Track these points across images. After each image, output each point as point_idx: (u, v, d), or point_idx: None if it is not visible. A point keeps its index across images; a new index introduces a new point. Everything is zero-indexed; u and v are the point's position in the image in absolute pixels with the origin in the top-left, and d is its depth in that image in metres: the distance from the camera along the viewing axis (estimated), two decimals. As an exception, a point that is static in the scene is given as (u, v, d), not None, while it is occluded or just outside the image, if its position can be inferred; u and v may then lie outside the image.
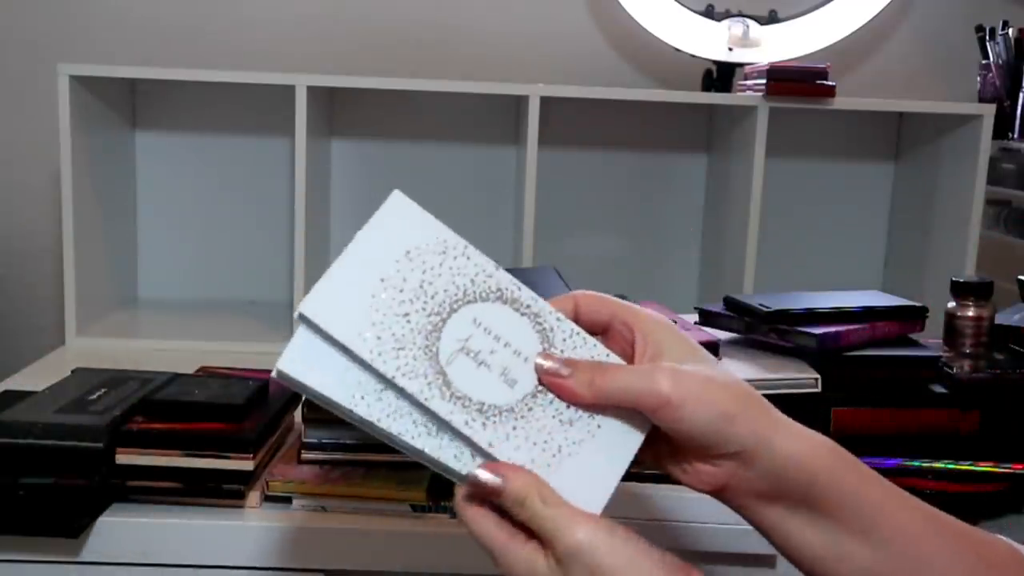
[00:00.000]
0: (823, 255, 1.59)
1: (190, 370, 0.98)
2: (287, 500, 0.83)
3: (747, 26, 1.46)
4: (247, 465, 0.81)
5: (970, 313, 0.92)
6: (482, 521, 0.52)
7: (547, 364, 0.53)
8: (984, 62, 1.51)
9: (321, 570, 0.82)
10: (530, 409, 0.52)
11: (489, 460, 0.52)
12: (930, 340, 0.94)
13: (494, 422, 0.52)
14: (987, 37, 1.50)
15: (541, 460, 0.52)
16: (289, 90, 1.27)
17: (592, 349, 0.54)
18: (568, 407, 0.53)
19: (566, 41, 1.56)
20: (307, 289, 1.32)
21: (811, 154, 1.57)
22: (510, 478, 0.51)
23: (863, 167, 1.58)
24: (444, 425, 0.51)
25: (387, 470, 0.84)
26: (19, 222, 1.56)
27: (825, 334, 0.87)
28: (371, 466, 0.85)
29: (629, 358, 0.55)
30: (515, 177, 1.51)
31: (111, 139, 1.43)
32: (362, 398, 0.51)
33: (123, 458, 0.80)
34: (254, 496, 0.83)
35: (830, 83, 1.32)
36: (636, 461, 0.54)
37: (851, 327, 0.89)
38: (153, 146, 1.51)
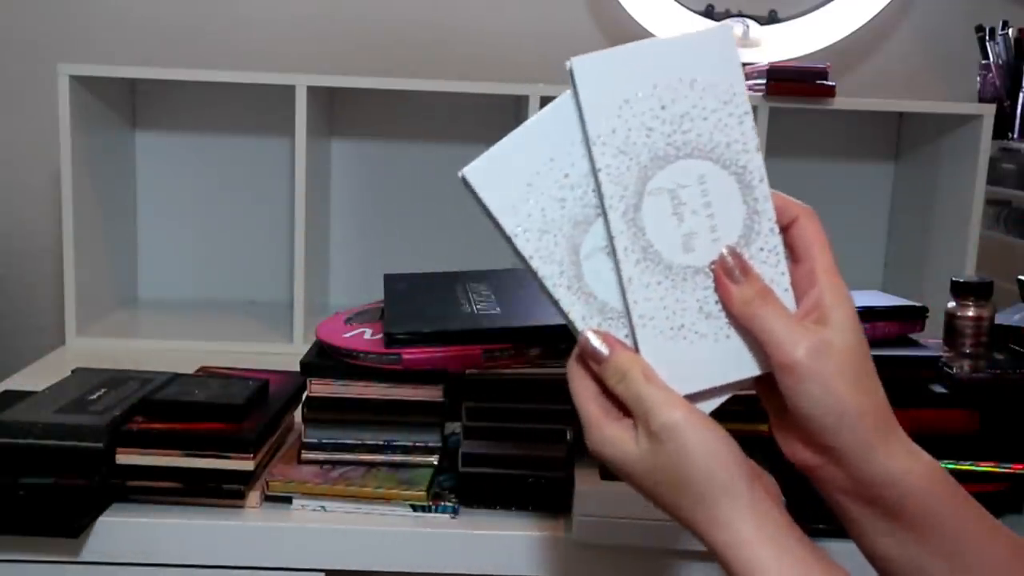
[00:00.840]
0: (823, 255, 1.58)
1: (190, 370, 0.98)
2: (287, 500, 0.83)
3: (747, 26, 1.46)
4: (247, 465, 0.81)
5: (970, 313, 0.92)
6: (583, 386, 0.54)
7: (729, 260, 0.53)
8: (984, 62, 1.51)
9: (321, 570, 0.82)
10: (684, 279, 0.53)
11: (623, 298, 0.52)
12: (930, 340, 0.94)
13: (647, 266, 0.52)
14: (987, 37, 1.50)
15: (661, 324, 0.52)
16: (289, 90, 1.27)
17: (778, 275, 0.54)
18: (716, 303, 0.53)
19: (566, 41, 1.56)
20: (307, 289, 1.33)
21: (811, 154, 1.57)
22: (616, 351, 0.52)
23: (863, 167, 1.58)
24: (597, 256, 0.52)
25: (387, 470, 0.84)
26: (19, 222, 1.56)
27: (825, 334, 0.86)
28: (371, 466, 0.85)
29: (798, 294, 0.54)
30: (515, 177, 1.50)
31: (111, 139, 1.43)
32: (525, 231, 0.52)
33: (123, 458, 0.80)
34: (254, 496, 0.83)
35: (830, 83, 1.32)
36: (750, 392, 0.56)
37: (851, 327, 0.89)
38: (153, 146, 1.51)
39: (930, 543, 0.53)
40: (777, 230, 0.54)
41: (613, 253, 0.52)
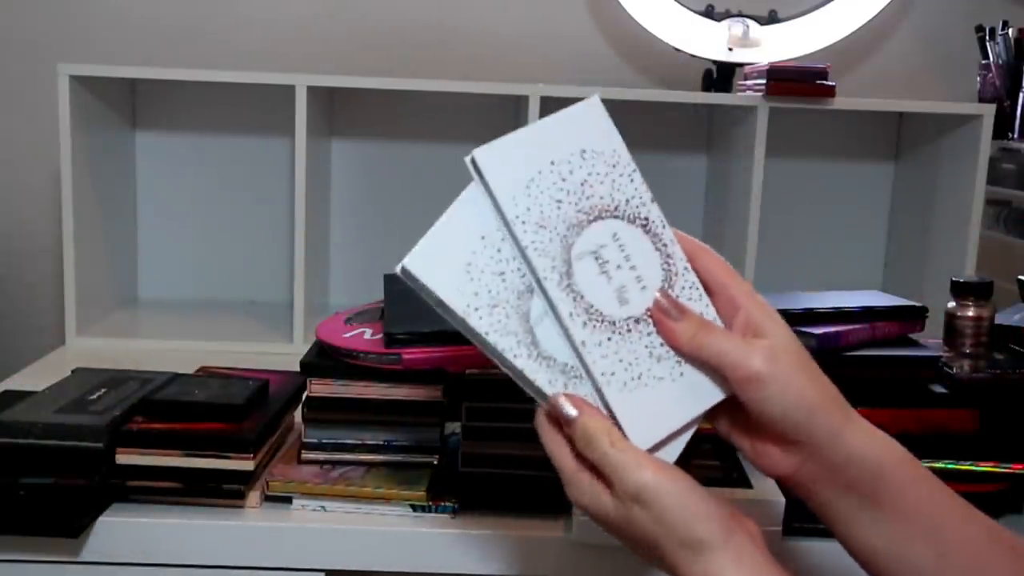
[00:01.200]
0: (823, 255, 1.59)
1: (190, 370, 0.98)
2: (287, 500, 0.83)
3: (747, 26, 1.46)
4: (247, 465, 0.81)
5: (970, 313, 0.92)
6: (556, 441, 0.55)
7: (664, 302, 0.56)
8: (984, 62, 1.51)
9: (321, 570, 0.82)
10: (628, 331, 0.55)
11: (580, 360, 0.55)
12: (930, 340, 0.94)
13: (594, 325, 0.55)
14: (987, 37, 1.50)
15: (623, 377, 0.55)
16: (289, 90, 1.27)
17: (704, 308, 0.57)
18: (662, 345, 0.56)
19: (566, 41, 1.56)
20: (307, 289, 1.33)
21: (811, 154, 1.57)
22: (585, 413, 0.54)
23: (863, 167, 1.58)
24: (546, 330, 0.55)
25: (387, 470, 0.84)
26: (19, 222, 1.56)
27: (825, 334, 0.87)
28: (371, 466, 0.85)
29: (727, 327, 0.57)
30: (515, 177, 1.50)
31: (111, 139, 1.43)
32: (476, 309, 0.54)
33: (123, 458, 0.80)
34: (254, 496, 0.83)
35: (830, 83, 1.32)
36: (710, 425, 0.58)
37: (851, 327, 0.89)
38: (153, 146, 1.51)
39: (910, 523, 0.54)
40: (690, 267, 0.58)
41: (559, 320, 0.55)
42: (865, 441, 0.55)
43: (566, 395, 0.54)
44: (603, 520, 0.54)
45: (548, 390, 0.55)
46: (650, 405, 0.55)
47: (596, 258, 0.56)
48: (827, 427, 0.54)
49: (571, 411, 0.54)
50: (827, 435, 0.54)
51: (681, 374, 0.56)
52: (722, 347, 0.54)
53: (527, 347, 0.55)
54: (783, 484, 0.58)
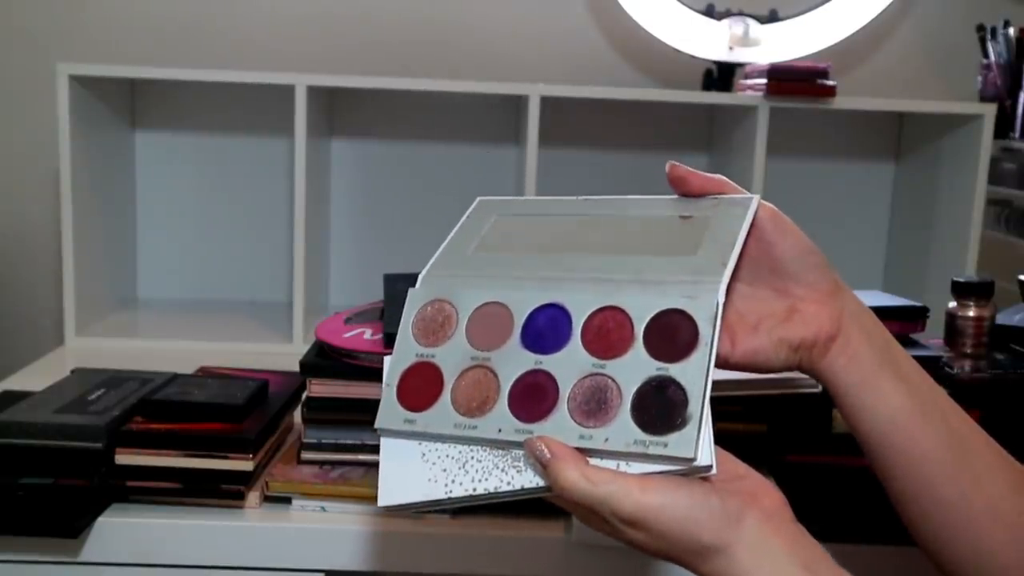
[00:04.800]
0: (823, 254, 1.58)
1: (190, 370, 0.98)
2: (287, 500, 0.83)
3: (747, 25, 1.46)
4: (247, 465, 0.81)
5: (971, 313, 0.92)
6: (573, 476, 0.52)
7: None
8: (985, 61, 1.51)
9: (321, 570, 0.81)
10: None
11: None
12: (931, 340, 0.94)
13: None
14: (988, 36, 1.50)
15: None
16: (289, 90, 1.27)
17: None
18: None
19: (566, 41, 1.56)
20: (307, 289, 1.33)
21: (811, 154, 1.57)
22: (554, 460, 0.51)
23: (863, 167, 1.58)
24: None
25: (387, 470, 0.84)
26: (19, 222, 1.56)
27: (825, 334, 0.86)
28: (371, 466, 0.85)
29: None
30: (515, 177, 1.51)
31: (111, 139, 1.42)
32: (453, 481, 0.54)
33: (123, 458, 0.80)
34: (254, 496, 0.82)
35: (830, 83, 1.32)
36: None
37: (851, 327, 0.89)
38: (153, 146, 1.51)
39: (918, 397, 0.57)
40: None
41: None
42: (865, 313, 0.59)
43: (541, 438, 0.51)
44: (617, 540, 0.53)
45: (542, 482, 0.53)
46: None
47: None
48: (829, 278, 0.58)
49: (544, 451, 0.51)
50: (831, 281, 0.58)
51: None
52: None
53: (511, 463, 0.53)
54: (821, 363, 0.58)
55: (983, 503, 0.56)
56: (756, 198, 0.57)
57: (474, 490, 0.53)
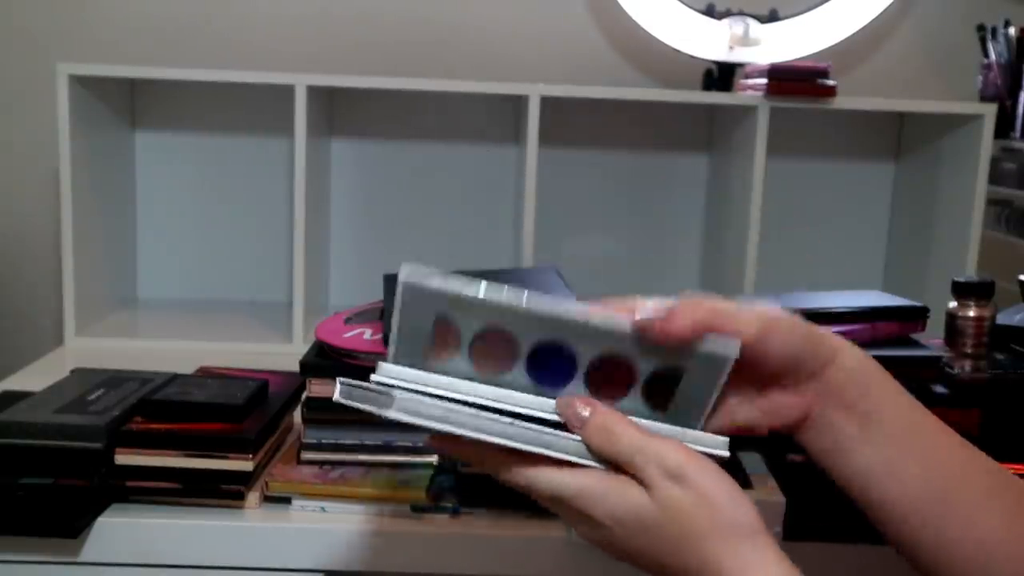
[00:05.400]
0: (823, 255, 1.59)
1: (190, 370, 0.98)
2: (287, 500, 0.83)
3: (747, 25, 1.46)
4: (247, 465, 0.81)
5: (971, 313, 0.92)
6: (554, 473, 0.51)
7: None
8: (985, 61, 1.51)
9: (321, 570, 0.81)
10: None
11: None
12: (931, 340, 0.94)
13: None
14: (988, 36, 1.50)
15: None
16: (289, 90, 1.27)
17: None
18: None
19: (566, 41, 1.56)
20: (307, 289, 1.33)
21: (811, 154, 1.57)
22: (597, 409, 0.51)
23: (863, 167, 1.58)
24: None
25: (387, 470, 0.84)
26: (19, 222, 1.56)
27: (825, 334, 0.86)
28: (371, 466, 0.85)
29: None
30: (515, 177, 1.51)
31: (111, 139, 1.42)
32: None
33: (122, 458, 0.80)
34: (254, 496, 0.82)
35: (830, 83, 1.32)
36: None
37: (852, 327, 0.89)
38: (153, 146, 1.51)
39: (900, 441, 0.56)
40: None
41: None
42: (850, 355, 0.56)
43: (577, 397, 0.52)
44: (637, 521, 0.50)
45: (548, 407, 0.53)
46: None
47: None
48: (827, 345, 0.55)
49: (584, 410, 0.52)
50: (829, 351, 0.55)
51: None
52: (719, 316, 0.52)
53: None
54: (795, 435, 0.57)
55: (974, 543, 0.55)
56: (734, 353, 0.53)
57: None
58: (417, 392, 0.52)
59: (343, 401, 0.52)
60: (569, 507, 0.52)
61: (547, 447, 0.51)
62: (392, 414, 0.51)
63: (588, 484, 0.51)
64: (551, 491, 0.52)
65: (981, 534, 0.55)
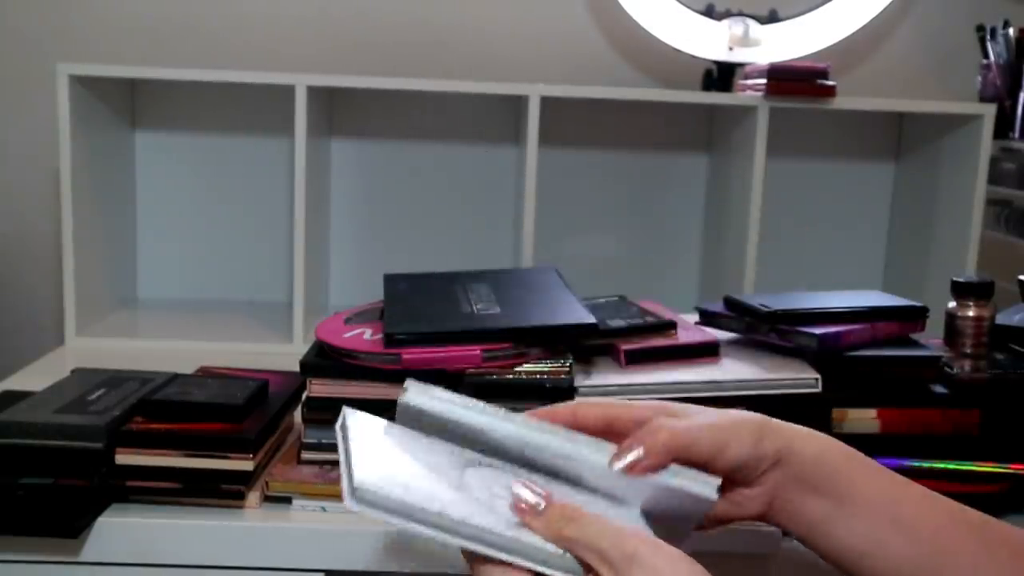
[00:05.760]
0: (823, 255, 1.59)
1: (190, 370, 0.98)
2: (287, 500, 0.83)
3: (747, 25, 1.46)
4: (247, 465, 0.81)
5: (970, 313, 0.92)
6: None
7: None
8: (985, 62, 1.51)
9: (321, 570, 0.81)
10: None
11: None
12: (931, 340, 0.94)
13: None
14: (987, 36, 1.50)
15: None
16: (289, 90, 1.27)
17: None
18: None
19: (566, 41, 1.56)
20: (307, 289, 1.33)
21: (811, 154, 1.57)
22: (552, 499, 0.51)
23: (863, 167, 1.58)
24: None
25: (387, 470, 0.84)
26: (19, 222, 1.56)
27: (825, 334, 0.86)
28: (371, 466, 0.85)
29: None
30: (515, 177, 1.51)
31: (111, 139, 1.42)
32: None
33: (123, 458, 0.80)
34: (254, 496, 0.82)
35: (830, 83, 1.32)
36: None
37: (852, 327, 0.89)
38: (153, 146, 1.51)
39: (877, 518, 0.56)
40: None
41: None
42: (810, 442, 0.57)
43: (525, 484, 0.51)
44: None
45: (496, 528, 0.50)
46: None
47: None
48: (783, 439, 0.56)
49: (537, 499, 0.50)
50: (785, 447, 0.56)
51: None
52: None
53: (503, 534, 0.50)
54: (769, 518, 0.59)
55: None
56: (714, 496, 0.54)
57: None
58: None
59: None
60: None
61: (517, 554, 0.50)
62: (348, 504, 0.50)
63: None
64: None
65: None
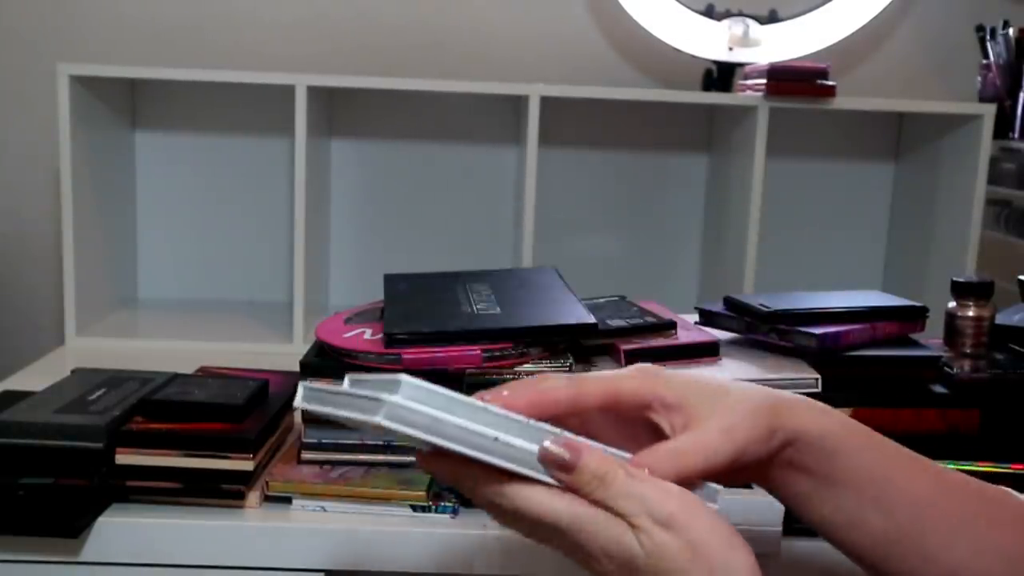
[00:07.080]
0: (823, 255, 1.59)
1: (190, 370, 0.98)
2: (287, 500, 0.83)
3: (747, 26, 1.46)
4: (247, 465, 0.81)
5: (970, 313, 0.92)
6: (545, 498, 0.49)
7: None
8: (984, 62, 1.51)
9: (321, 570, 0.81)
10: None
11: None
12: (930, 340, 0.94)
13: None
14: (987, 37, 1.50)
15: None
16: (289, 90, 1.27)
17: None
18: None
19: (566, 41, 1.56)
20: (307, 289, 1.33)
21: (811, 154, 1.57)
22: (585, 454, 0.49)
23: (863, 167, 1.58)
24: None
25: (387, 470, 0.84)
26: (19, 222, 1.56)
27: (825, 334, 0.86)
28: (371, 466, 0.85)
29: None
30: (515, 177, 1.51)
31: (111, 139, 1.42)
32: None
33: (123, 458, 0.80)
34: (254, 496, 0.82)
35: (830, 83, 1.32)
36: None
37: (851, 327, 0.89)
38: (153, 146, 1.51)
39: (862, 494, 0.56)
40: None
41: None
42: (812, 426, 0.55)
43: (556, 440, 0.49)
44: (624, 564, 0.48)
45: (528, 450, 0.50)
46: None
47: None
48: (785, 433, 0.55)
49: (567, 455, 0.49)
50: (788, 438, 0.55)
51: None
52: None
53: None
54: (752, 482, 0.59)
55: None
56: (714, 507, 0.52)
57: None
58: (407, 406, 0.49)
59: (306, 407, 0.51)
60: (562, 536, 0.50)
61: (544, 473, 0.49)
62: (380, 420, 0.48)
63: (583, 515, 0.49)
64: (544, 516, 0.49)
65: (947, 571, 0.55)
